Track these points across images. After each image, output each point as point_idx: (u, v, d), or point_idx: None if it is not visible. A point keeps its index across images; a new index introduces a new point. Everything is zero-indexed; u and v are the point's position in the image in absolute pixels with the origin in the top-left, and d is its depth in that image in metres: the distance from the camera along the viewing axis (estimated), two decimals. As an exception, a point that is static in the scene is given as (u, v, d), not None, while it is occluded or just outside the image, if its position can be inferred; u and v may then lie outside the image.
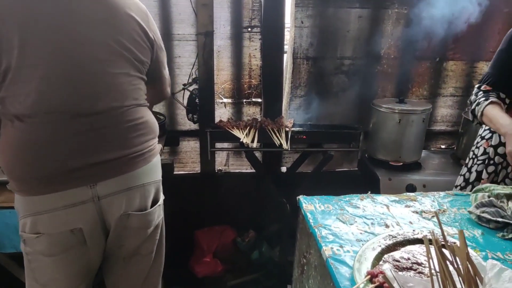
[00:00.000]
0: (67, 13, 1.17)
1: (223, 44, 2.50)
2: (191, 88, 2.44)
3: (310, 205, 1.37)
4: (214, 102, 2.60)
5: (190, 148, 2.72)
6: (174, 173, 2.70)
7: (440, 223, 0.94)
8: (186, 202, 2.65)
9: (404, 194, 1.49)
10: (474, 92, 1.60)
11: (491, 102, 1.49)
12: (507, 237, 1.20)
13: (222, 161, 2.78)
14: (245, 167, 2.78)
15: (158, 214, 1.43)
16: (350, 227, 1.24)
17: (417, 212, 1.35)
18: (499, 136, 1.63)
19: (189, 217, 2.62)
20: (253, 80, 2.61)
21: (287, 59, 2.62)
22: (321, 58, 2.58)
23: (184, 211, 2.61)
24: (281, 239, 2.53)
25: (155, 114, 2.52)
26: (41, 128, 1.17)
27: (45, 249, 1.24)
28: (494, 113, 1.46)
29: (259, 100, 2.65)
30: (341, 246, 1.11)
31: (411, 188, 2.24)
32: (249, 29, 2.49)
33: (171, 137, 2.49)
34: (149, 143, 1.38)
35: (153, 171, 1.39)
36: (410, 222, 1.29)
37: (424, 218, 1.32)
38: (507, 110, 1.55)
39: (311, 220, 1.28)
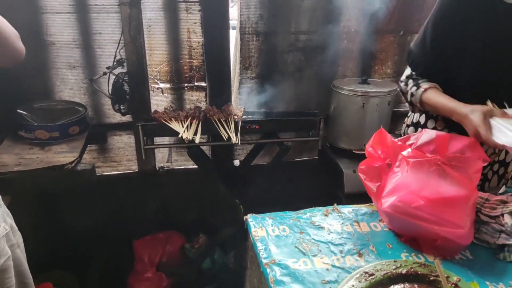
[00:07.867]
0: None
1: (155, 17, 2.06)
2: (116, 72, 1.99)
3: (260, 229, 1.05)
4: (149, 88, 2.17)
5: (123, 143, 2.29)
6: (106, 173, 2.27)
7: (442, 275, 0.64)
8: (121, 208, 2.25)
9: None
10: (403, 80, 1.37)
11: (426, 90, 1.26)
12: (509, 260, 0.95)
13: (164, 156, 2.39)
14: (192, 163, 2.40)
15: None
16: (314, 261, 0.94)
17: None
18: None
19: (126, 225, 2.23)
20: (194, 61, 2.20)
21: (235, 35, 2.22)
22: (273, 33, 2.22)
23: (120, 218, 2.21)
24: (235, 243, 2.22)
25: (74, 104, 2.06)
26: None
27: None
28: (437, 99, 1.23)
29: (203, 84, 2.25)
30: (302, 299, 0.81)
31: (378, 181, 1.99)
32: (186, -2, 2.06)
33: (95, 133, 2.04)
34: None
35: None
36: (388, 245, 1.01)
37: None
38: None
39: (262, 253, 0.95)
